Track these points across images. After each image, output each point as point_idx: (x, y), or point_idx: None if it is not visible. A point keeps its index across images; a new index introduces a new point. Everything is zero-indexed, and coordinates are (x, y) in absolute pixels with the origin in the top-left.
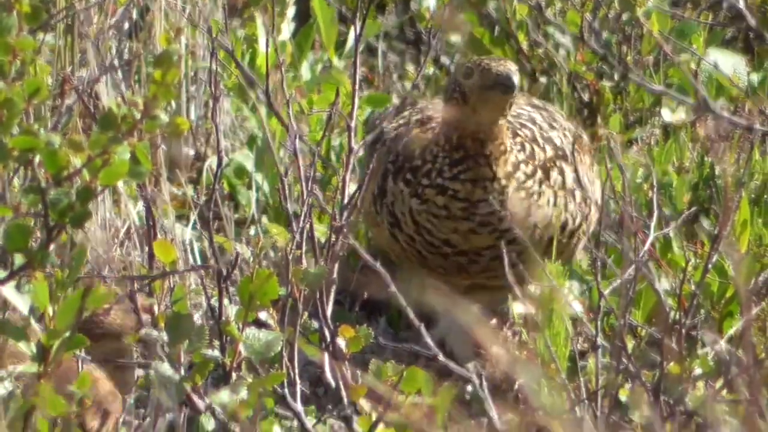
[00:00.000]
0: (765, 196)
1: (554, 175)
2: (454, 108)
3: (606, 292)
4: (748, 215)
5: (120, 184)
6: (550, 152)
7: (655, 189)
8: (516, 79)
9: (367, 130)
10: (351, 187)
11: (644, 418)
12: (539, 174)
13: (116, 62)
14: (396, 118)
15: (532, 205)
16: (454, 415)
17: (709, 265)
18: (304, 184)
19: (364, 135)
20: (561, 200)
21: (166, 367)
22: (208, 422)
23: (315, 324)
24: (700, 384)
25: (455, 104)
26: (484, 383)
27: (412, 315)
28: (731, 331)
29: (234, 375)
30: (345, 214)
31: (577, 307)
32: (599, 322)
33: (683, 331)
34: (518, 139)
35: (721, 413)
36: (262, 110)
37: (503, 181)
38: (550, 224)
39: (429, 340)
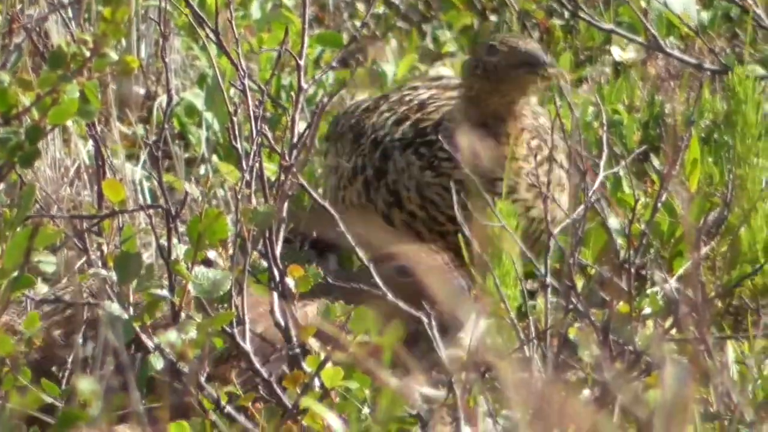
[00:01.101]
0: (715, 135)
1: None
2: (476, 85)
3: (555, 231)
4: (698, 154)
5: (69, 123)
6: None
7: (605, 128)
8: (546, 56)
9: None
10: (300, 126)
11: (593, 358)
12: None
13: (65, 0)
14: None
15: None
16: (401, 355)
17: (659, 204)
18: (253, 123)
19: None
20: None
21: (115, 307)
22: (157, 362)
23: (264, 263)
24: (649, 323)
25: (477, 82)
26: (433, 322)
27: (361, 254)
28: (680, 271)
29: (183, 314)
30: (294, 153)
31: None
32: (548, 261)
33: (632, 270)
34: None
35: (670, 352)
36: (212, 49)
37: (520, 162)
38: (555, 220)
39: (377, 279)
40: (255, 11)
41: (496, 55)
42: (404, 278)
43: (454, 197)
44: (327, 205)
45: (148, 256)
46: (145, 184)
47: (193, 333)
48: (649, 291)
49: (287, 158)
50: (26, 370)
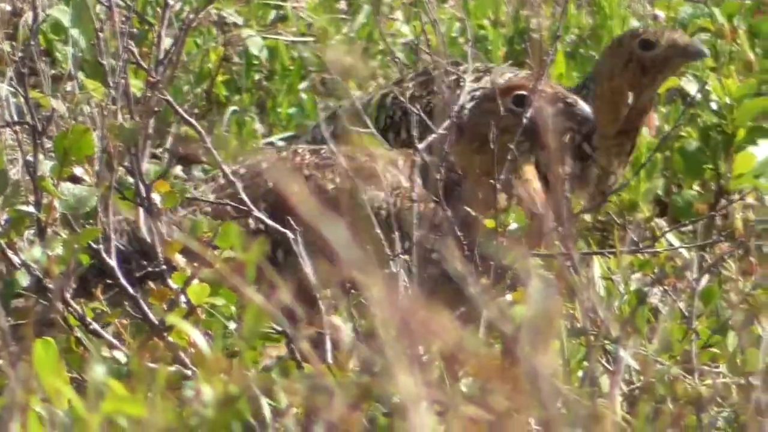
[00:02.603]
0: (580, 50)
1: None
2: (626, 81)
3: (421, 146)
4: (563, 69)
5: None
6: None
7: (470, 43)
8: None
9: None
10: (166, 43)
11: (458, 273)
12: None
13: None
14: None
15: None
16: (265, 271)
17: (524, 120)
18: (120, 39)
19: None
20: None
21: None
22: (23, 278)
23: (131, 179)
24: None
25: (628, 78)
26: (299, 239)
27: (227, 171)
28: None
29: (49, 231)
30: (161, 69)
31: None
32: (418, 175)
33: (498, 185)
34: None
35: (535, 267)
36: None
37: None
38: None
39: (244, 197)
40: None
41: (653, 48)
42: (520, 110)
43: None
44: (194, 121)
45: (15, 173)
46: (12, 101)
47: (59, 249)
48: (514, 206)
49: (153, 75)
50: None
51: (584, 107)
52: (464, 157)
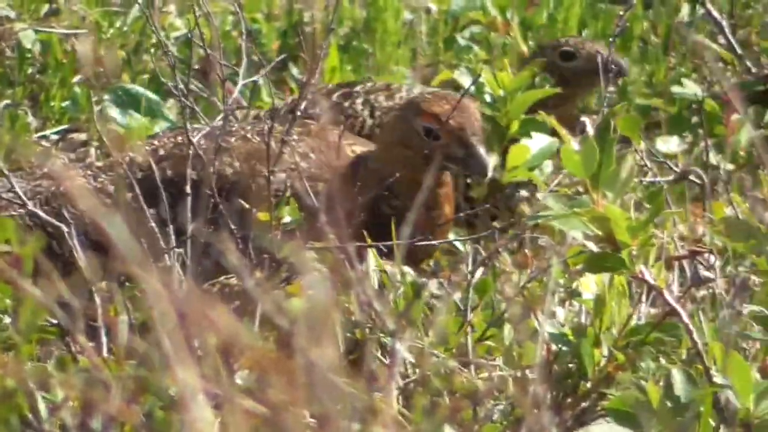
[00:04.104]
0: (354, 43)
1: None
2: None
3: (196, 139)
4: (337, 62)
5: None
6: None
7: (244, 36)
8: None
9: None
10: None
11: (234, 266)
12: None
13: None
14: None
15: None
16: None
17: (298, 113)
18: None
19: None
20: None
21: None
22: None
23: None
24: None
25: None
26: (73, 232)
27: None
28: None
29: None
30: None
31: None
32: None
33: (271, 177)
34: None
35: (310, 260)
36: None
37: None
38: None
39: (18, 190)
40: None
41: (573, 60)
42: (427, 139)
43: None
44: None
45: None
46: None
47: None
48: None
49: None
50: None
51: (483, 160)
52: (386, 156)
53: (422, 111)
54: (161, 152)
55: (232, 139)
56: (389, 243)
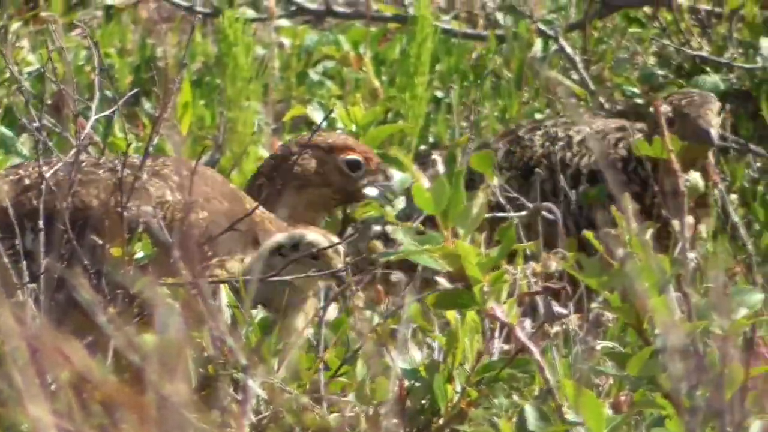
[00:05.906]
0: (206, 78)
1: None
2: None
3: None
4: (189, 97)
5: None
6: None
7: (97, 71)
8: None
9: None
10: None
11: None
12: None
13: None
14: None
15: None
16: None
17: (150, 148)
18: None
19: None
20: None
21: None
22: None
23: None
24: None
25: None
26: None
27: None
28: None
29: None
30: None
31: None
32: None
33: (126, 213)
34: None
35: (164, 296)
36: None
37: None
38: None
39: None
40: None
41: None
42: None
43: None
44: None
45: None
46: None
47: None
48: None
49: None
50: None
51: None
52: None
53: (340, 146)
54: (26, 182)
55: (100, 171)
56: (243, 278)
